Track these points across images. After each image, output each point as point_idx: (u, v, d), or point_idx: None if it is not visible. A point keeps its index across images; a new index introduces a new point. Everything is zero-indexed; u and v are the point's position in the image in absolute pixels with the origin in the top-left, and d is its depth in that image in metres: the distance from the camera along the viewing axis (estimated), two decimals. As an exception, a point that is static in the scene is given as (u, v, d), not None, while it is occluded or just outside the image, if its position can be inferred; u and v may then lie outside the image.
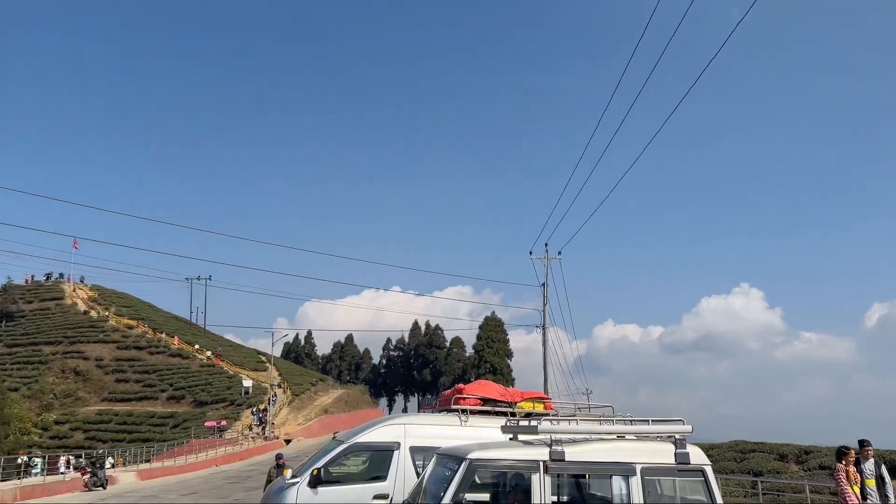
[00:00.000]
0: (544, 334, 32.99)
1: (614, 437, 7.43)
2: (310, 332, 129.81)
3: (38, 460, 33.38)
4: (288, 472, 9.69)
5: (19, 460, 36.55)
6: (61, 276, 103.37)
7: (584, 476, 7.57)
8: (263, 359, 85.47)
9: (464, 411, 10.39)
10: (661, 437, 7.29)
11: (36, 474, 30.85)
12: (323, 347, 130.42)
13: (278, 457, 15.38)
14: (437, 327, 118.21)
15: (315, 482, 9.40)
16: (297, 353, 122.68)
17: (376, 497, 9.53)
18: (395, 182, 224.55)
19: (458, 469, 6.71)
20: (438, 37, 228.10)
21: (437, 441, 9.46)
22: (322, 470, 9.47)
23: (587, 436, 7.30)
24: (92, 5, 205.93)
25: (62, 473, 32.27)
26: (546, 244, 34.13)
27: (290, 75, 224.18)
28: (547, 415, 10.49)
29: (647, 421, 7.45)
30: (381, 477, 9.71)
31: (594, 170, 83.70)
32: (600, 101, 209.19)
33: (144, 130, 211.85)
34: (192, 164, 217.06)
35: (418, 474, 9.25)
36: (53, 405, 73.07)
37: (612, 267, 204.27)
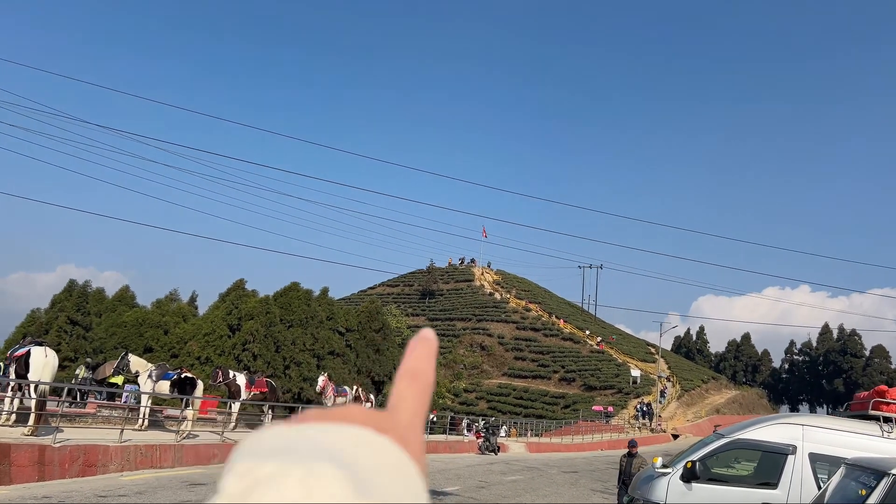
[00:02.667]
0: None
1: None
2: (702, 328, 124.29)
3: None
4: (658, 461, 8.69)
5: (432, 418, 41.58)
6: (472, 260, 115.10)
7: None
8: (652, 350, 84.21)
9: (887, 420, 8.23)
10: None
11: (440, 432, 34.56)
12: (716, 345, 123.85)
13: (631, 444, 13.78)
14: (854, 332, 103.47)
15: (689, 476, 8.25)
16: (689, 348, 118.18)
17: (764, 506, 8.02)
18: (802, 166, 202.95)
19: (877, 485, 5.06)
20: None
21: (846, 451, 7.64)
22: (697, 464, 8.28)
23: None
24: None
25: (463, 435, 35.56)
26: None
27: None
28: None
29: None
30: (771, 483, 8.15)
31: None
32: None
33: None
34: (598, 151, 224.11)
35: (819, 486, 7.53)
36: (463, 375, 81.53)
37: None
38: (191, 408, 16.01)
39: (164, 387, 16.23)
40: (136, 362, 16.88)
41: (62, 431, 13.89)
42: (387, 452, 0.34)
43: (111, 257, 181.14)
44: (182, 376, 16.44)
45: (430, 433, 32.99)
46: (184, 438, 15.65)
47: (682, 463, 8.41)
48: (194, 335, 47.59)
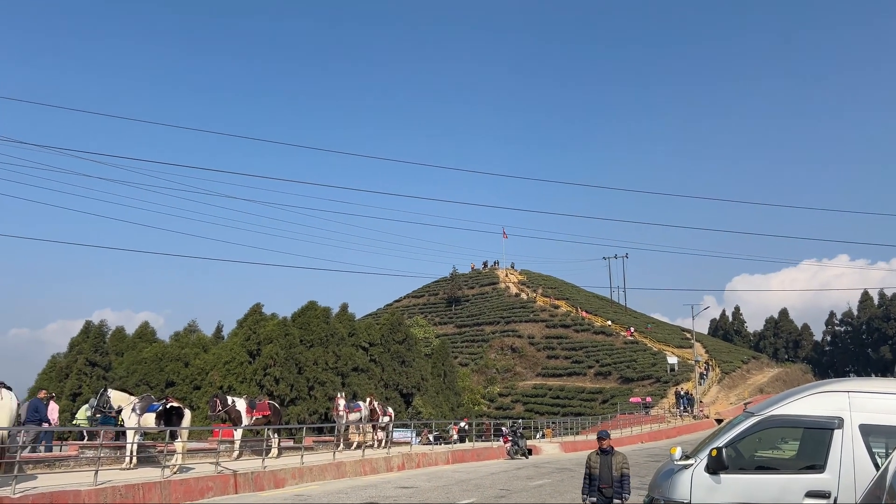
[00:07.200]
0: None
1: None
2: (737, 308, 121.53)
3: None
4: (677, 451, 7.24)
5: (463, 425, 40.09)
6: (496, 263, 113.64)
7: None
8: (688, 336, 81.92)
9: (951, 375, 6.71)
10: None
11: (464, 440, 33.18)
12: (753, 324, 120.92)
13: (602, 436, 10.36)
14: (895, 297, 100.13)
15: (716, 466, 6.80)
16: (726, 330, 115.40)
17: (810, 495, 6.54)
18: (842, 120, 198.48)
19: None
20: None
21: (905, 419, 6.19)
22: (725, 450, 6.82)
23: None
24: None
25: (492, 440, 34.09)
26: None
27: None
28: None
29: None
30: (817, 466, 6.67)
31: None
32: None
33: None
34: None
35: (876, 465, 6.07)
36: (496, 379, 79.90)
37: None
38: (179, 439, 14.82)
39: (150, 419, 15.08)
40: (118, 397, 15.71)
41: (35, 479, 12.79)
42: None
43: (145, 299, 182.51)
44: (167, 406, 15.27)
45: (458, 442, 31.59)
46: (174, 473, 14.46)
47: (707, 451, 6.97)
48: (215, 365, 46.71)
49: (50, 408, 17.44)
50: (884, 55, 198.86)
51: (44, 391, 19.14)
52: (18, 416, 16.62)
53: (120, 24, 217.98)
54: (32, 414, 16.94)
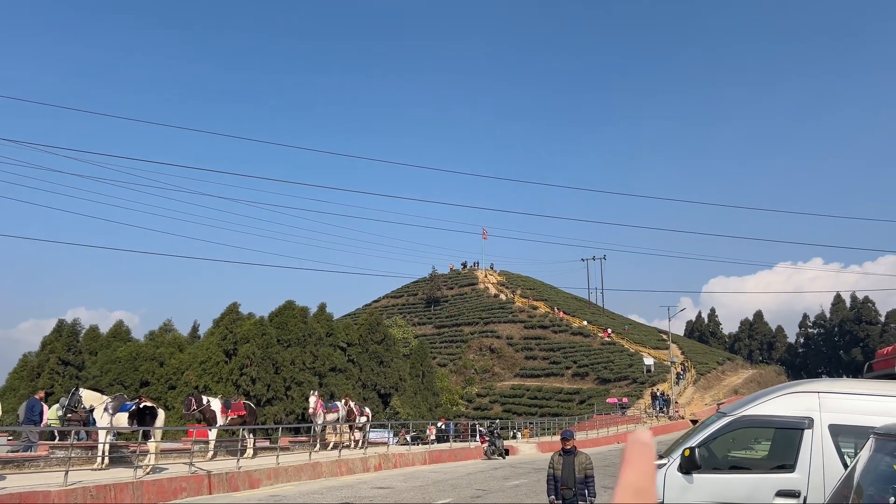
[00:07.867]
0: None
1: None
2: (713, 310, 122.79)
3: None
4: (650, 451, 7.26)
5: (440, 425, 40.09)
6: (475, 264, 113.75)
7: None
8: (664, 337, 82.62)
9: (918, 376, 6.85)
10: None
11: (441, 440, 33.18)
12: (729, 326, 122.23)
13: (566, 436, 10.03)
14: (867, 300, 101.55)
15: (688, 466, 6.85)
16: (702, 332, 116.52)
17: (781, 494, 6.61)
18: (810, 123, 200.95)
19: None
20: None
21: (875, 419, 6.30)
22: (697, 450, 6.88)
23: None
24: None
25: (468, 441, 34.15)
26: None
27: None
28: None
29: None
30: (787, 466, 6.75)
31: None
32: None
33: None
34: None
35: (845, 464, 6.16)
36: (474, 379, 79.99)
37: None
38: (152, 439, 14.67)
39: (123, 419, 14.90)
40: (89, 396, 15.52)
41: (4, 479, 12.59)
42: None
43: (120, 298, 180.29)
44: (141, 406, 15.10)
45: (428, 444, 31.57)
46: (147, 473, 14.30)
47: (680, 451, 7.02)
48: (190, 364, 46.25)
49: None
50: (863, 56, 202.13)
51: (42, 391, 19.22)
52: (17, 416, 16.47)
53: (110, 23, 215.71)
54: (29, 413, 16.86)
